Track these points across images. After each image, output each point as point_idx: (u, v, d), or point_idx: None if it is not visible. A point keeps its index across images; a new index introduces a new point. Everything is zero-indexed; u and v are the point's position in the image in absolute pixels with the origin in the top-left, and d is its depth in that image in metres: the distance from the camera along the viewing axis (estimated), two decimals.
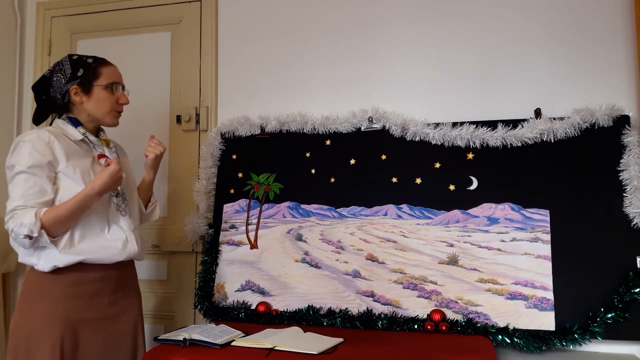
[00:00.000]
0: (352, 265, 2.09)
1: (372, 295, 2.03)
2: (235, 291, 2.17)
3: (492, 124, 2.05)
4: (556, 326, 1.83)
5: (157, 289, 2.49)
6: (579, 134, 1.97)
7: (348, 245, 2.12)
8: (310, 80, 2.38)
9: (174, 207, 2.50)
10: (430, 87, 2.24)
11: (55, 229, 1.56)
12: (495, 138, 2.02)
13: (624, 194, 1.89)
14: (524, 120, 2.02)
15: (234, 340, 1.69)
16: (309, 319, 2.03)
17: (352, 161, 2.20)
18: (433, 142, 2.11)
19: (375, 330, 1.94)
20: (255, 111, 2.36)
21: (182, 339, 1.66)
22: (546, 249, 1.92)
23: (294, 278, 2.13)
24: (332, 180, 2.21)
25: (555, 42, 2.13)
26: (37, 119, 1.78)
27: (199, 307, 2.18)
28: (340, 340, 1.73)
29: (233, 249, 2.25)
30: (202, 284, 2.21)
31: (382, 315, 1.97)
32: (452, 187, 2.07)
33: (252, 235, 2.25)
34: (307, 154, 2.26)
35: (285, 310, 2.07)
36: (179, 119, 2.52)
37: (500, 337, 1.83)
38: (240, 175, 2.33)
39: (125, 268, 1.78)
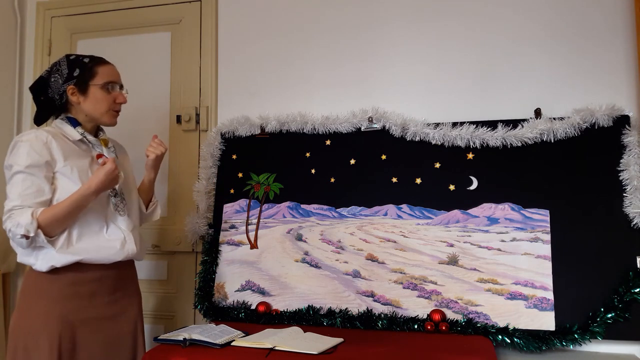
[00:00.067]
0: (352, 265, 2.09)
1: (372, 295, 2.03)
2: (235, 291, 2.17)
3: (492, 124, 2.05)
4: (556, 326, 1.83)
5: (157, 289, 2.49)
6: (579, 134, 1.97)
7: (348, 245, 2.12)
8: (310, 80, 2.38)
9: (174, 207, 2.50)
10: (430, 87, 2.24)
11: (52, 228, 1.56)
12: (495, 138, 2.02)
13: (624, 194, 1.89)
14: (524, 120, 2.02)
15: (234, 340, 1.69)
16: (309, 319, 2.03)
17: (352, 161, 2.20)
18: (433, 142, 2.11)
19: (375, 330, 1.94)
20: (255, 111, 2.36)
21: (182, 339, 1.66)
22: (546, 249, 1.92)
23: (294, 278, 2.13)
24: (332, 180, 2.21)
25: (555, 42, 2.13)
26: (39, 120, 1.78)
27: (199, 307, 2.18)
28: (340, 340, 1.73)
29: (233, 249, 2.25)
30: (202, 284, 2.21)
31: (382, 315, 1.97)
32: (452, 187, 2.07)
33: (252, 235, 2.25)
34: (307, 154, 2.26)
35: (285, 310, 2.07)
36: (179, 119, 2.52)
37: (500, 337, 1.83)
38: (240, 175, 2.33)
39: (124, 268, 1.78)
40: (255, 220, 2.26)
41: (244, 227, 2.26)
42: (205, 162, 2.37)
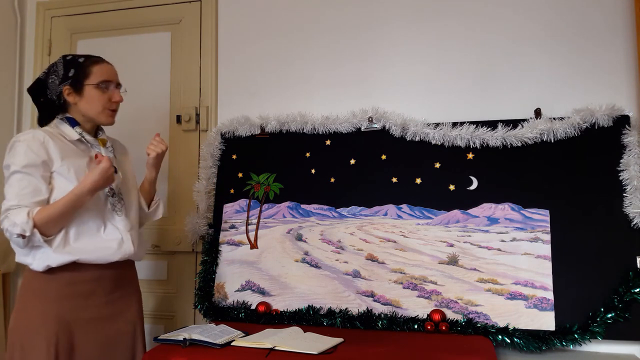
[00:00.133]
0: (352, 265, 2.09)
1: (372, 295, 2.03)
2: (235, 291, 2.17)
3: (492, 124, 2.05)
4: (556, 326, 1.83)
5: (157, 289, 2.49)
6: (579, 134, 1.97)
7: (348, 245, 2.12)
8: (310, 80, 2.38)
9: (174, 207, 2.50)
10: (430, 87, 2.24)
11: (48, 228, 1.56)
12: (495, 138, 2.02)
13: (624, 194, 1.89)
14: (524, 120, 2.02)
15: (234, 340, 1.69)
16: (309, 319, 2.03)
17: (352, 161, 2.20)
18: (433, 142, 2.11)
19: (375, 330, 1.94)
20: (255, 111, 2.36)
21: (182, 339, 1.66)
22: (546, 249, 1.92)
23: (294, 278, 2.13)
24: (332, 180, 2.21)
25: (555, 42, 2.13)
26: (42, 121, 1.78)
27: (199, 307, 2.18)
28: (340, 340, 1.73)
29: (233, 249, 2.25)
30: (202, 284, 2.21)
31: (382, 315, 1.97)
32: (452, 187, 2.07)
33: (252, 235, 2.25)
34: (307, 154, 2.26)
35: (285, 310, 2.07)
36: (179, 119, 2.52)
37: (500, 337, 1.83)
38: (240, 175, 2.33)
39: (123, 268, 1.77)
40: (255, 220, 2.26)
41: (244, 227, 2.26)
42: (205, 162, 2.37)
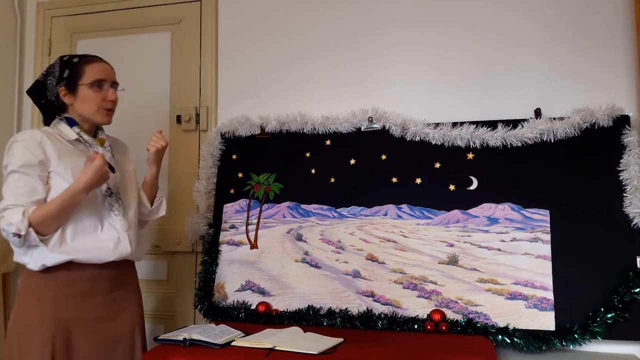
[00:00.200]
0: (352, 265, 2.09)
1: (372, 295, 2.03)
2: (235, 291, 2.17)
3: (492, 124, 2.05)
4: (556, 326, 1.83)
5: (157, 289, 2.49)
6: (579, 134, 1.97)
7: (348, 245, 2.12)
8: (310, 80, 2.38)
9: (174, 207, 2.49)
10: (430, 87, 2.24)
11: (43, 227, 1.56)
12: (495, 138, 2.02)
13: (624, 194, 1.89)
14: (524, 120, 2.02)
15: (234, 340, 1.69)
16: (309, 319, 2.03)
17: (352, 161, 2.20)
18: (433, 142, 2.11)
19: (375, 330, 1.94)
20: (255, 111, 2.36)
21: (182, 339, 1.66)
22: (546, 249, 1.92)
23: (294, 278, 2.13)
24: (332, 180, 2.21)
25: (555, 42, 2.13)
26: (47, 123, 1.77)
27: (199, 307, 2.18)
28: (340, 340, 1.73)
29: (233, 249, 2.25)
30: (202, 284, 2.21)
31: (382, 315, 1.97)
32: (452, 187, 2.07)
33: (252, 235, 2.25)
34: (307, 154, 2.26)
35: (285, 310, 2.07)
36: (179, 119, 2.52)
37: (500, 337, 1.83)
38: (240, 175, 2.33)
39: (121, 268, 1.76)
40: (255, 220, 2.26)
41: (244, 227, 2.26)
42: (205, 162, 2.37)
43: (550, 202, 1.96)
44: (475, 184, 2.05)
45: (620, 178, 1.91)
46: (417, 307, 1.97)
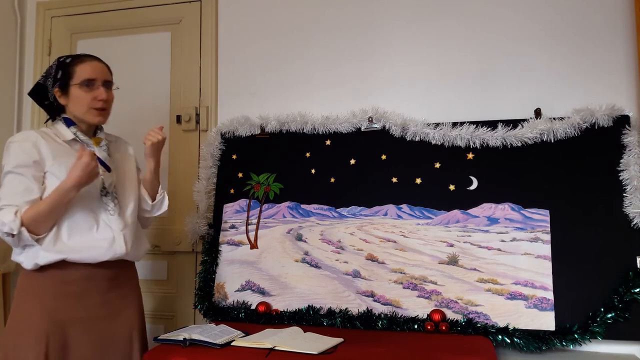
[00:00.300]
0: (352, 265, 2.09)
1: (372, 295, 2.03)
2: (235, 291, 2.17)
3: (492, 124, 2.05)
4: (556, 326, 1.83)
5: (157, 289, 2.49)
6: (579, 134, 1.97)
7: (348, 245, 2.12)
8: (310, 80, 2.38)
9: (174, 207, 2.49)
10: (430, 87, 2.24)
11: (36, 226, 1.56)
12: (495, 138, 2.02)
13: (624, 194, 1.89)
14: (524, 120, 2.02)
15: (234, 340, 1.69)
16: (309, 319, 2.03)
17: (352, 161, 2.20)
18: (433, 142, 2.11)
19: (375, 330, 1.94)
20: (255, 111, 2.36)
21: (182, 339, 1.66)
22: (546, 249, 1.92)
23: (294, 278, 2.13)
24: (332, 180, 2.21)
25: (555, 42, 2.13)
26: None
27: (199, 307, 2.18)
28: (340, 340, 1.73)
29: (233, 249, 2.25)
30: (202, 284, 2.21)
31: (382, 315, 1.97)
32: (452, 187, 2.07)
33: (252, 235, 2.25)
34: (307, 154, 2.26)
35: (285, 310, 2.07)
36: (179, 119, 2.52)
37: (500, 337, 1.83)
38: (240, 175, 2.33)
39: (119, 268, 1.75)
40: (255, 220, 2.26)
41: (244, 227, 2.26)
42: (205, 162, 2.37)
43: (550, 202, 1.96)
44: (475, 184, 2.05)
45: (620, 178, 1.91)
46: (417, 307, 1.97)
